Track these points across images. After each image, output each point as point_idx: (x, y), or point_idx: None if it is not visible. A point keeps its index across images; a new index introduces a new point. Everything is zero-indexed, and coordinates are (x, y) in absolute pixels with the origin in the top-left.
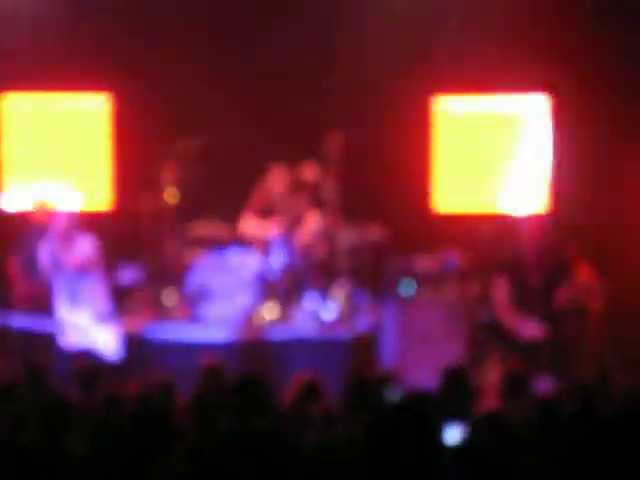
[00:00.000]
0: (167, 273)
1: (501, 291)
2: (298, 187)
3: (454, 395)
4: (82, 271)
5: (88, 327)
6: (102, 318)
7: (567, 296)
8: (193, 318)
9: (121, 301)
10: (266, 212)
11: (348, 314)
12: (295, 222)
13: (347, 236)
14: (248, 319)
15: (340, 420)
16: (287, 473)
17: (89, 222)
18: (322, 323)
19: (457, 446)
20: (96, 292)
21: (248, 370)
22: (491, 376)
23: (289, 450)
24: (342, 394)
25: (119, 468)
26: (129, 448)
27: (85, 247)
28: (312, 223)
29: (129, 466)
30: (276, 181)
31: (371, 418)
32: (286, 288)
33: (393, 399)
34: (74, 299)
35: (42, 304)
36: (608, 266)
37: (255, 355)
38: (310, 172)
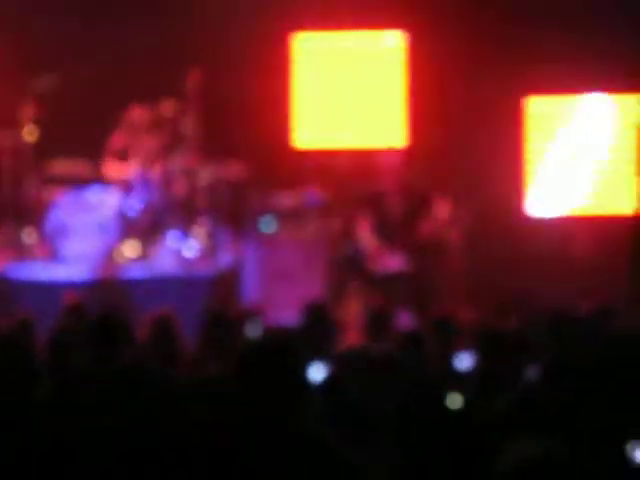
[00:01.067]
0: (26, 212)
1: (364, 225)
2: (157, 124)
3: (315, 331)
4: None
5: None
6: None
7: (427, 230)
8: (53, 257)
9: None
10: (125, 150)
11: (209, 251)
12: (154, 160)
13: (207, 173)
14: (108, 257)
15: (199, 358)
16: (143, 410)
17: None
18: (183, 261)
19: (321, 382)
20: None
21: (108, 308)
22: (352, 312)
23: (149, 387)
24: (201, 331)
25: None
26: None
27: None
28: (171, 161)
29: None
30: (135, 118)
31: (231, 355)
32: (146, 226)
33: (254, 336)
34: None
35: None
36: (464, 199)
37: (115, 293)
38: (169, 109)
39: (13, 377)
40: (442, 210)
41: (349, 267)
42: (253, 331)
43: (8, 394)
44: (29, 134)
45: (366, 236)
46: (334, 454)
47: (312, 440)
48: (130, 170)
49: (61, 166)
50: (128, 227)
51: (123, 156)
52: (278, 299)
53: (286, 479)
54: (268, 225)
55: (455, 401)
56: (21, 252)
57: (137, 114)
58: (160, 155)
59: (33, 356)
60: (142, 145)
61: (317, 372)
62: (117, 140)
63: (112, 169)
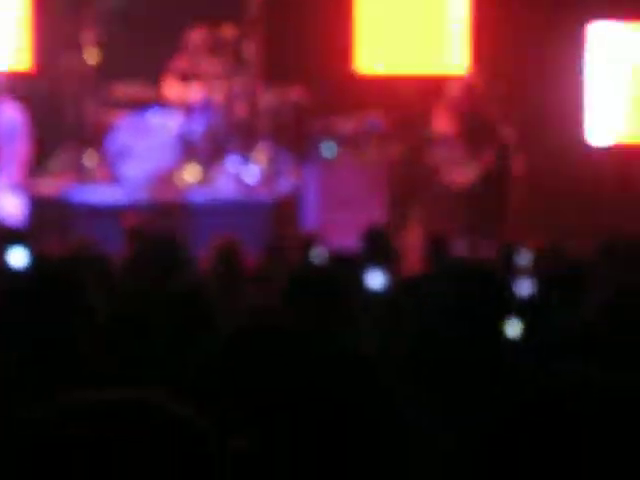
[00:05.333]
0: (87, 134)
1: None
2: (218, 47)
3: (376, 256)
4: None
5: None
6: (14, 184)
7: (491, 156)
8: (113, 180)
9: (42, 163)
10: (187, 73)
11: (269, 176)
12: (216, 83)
13: (268, 97)
14: (168, 181)
15: (261, 282)
16: (210, 335)
17: (9, 84)
18: (244, 185)
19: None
20: (17, 158)
21: (168, 232)
22: (412, 237)
23: (212, 312)
24: (263, 256)
25: (34, 326)
26: (45, 307)
27: (9, 111)
28: (232, 85)
29: (43, 325)
30: (196, 41)
31: (295, 279)
32: (207, 150)
33: (316, 261)
34: None
35: None
36: (529, 134)
37: (175, 217)
38: (231, 32)
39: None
40: (507, 137)
41: (414, 182)
42: (316, 256)
43: (65, 315)
44: (91, 56)
45: (443, 124)
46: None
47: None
48: (191, 93)
49: (122, 89)
50: (189, 150)
51: (185, 79)
52: (339, 225)
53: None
54: (329, 150)
55: (515, 327)
56: (82, 175)
57: (198, 36)
58: (222, 78)
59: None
60: (204, 68)
61: (375, 280)
62: (178, 63)
63: (173, 92)
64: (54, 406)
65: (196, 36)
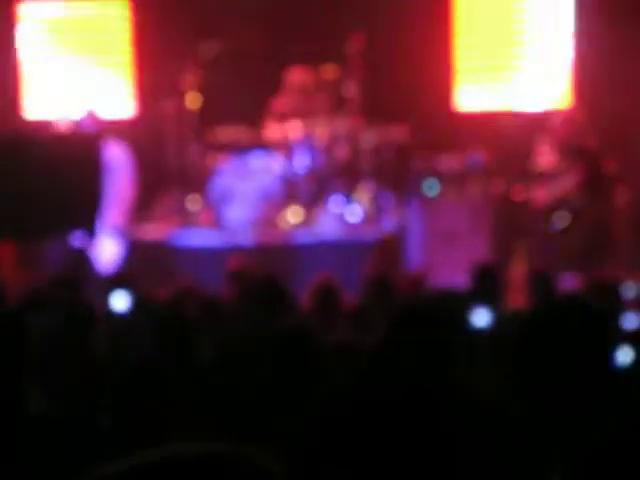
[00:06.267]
0: (190, 179)
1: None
2: (319, 88)
3: (483, 294)
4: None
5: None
6: (117, 227)
7: (594, 190)
8: (216, 223)
9: (146, 207)
10: (288, 114)
11: (372, 216)
12: (317, 124)
13: (370, 137)
14: (271, 223)
15: (363, 320)
16: (313, 372)
17: (113, 129)
18: (346, 225)
19: (486, 332)
20: (120, 200)
21: (271, 274)
22: (517, 272)
23: (314, 350)
24: (366, 294)
25: (142, 371)
26: (155, 350)
27: (114, 153)
28: (334, 125)
29: (152, 369)
30: (297, 81)
31: (402, 315)
32: (309, 191)
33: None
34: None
35: None
36: (631, 167)
37: (278, 259)
38: (331, 72)
39: (173, 342)
40: (610, 170)
41: (517, 218)
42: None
43: (168, 360)
44: (192, 101)
45: (546, 159)
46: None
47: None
48: (293, 134)
49: (224, 132)
50: (291, 192)
51: (286, 120)
52: (443, 262)
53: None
54: (431, 188)
55: (626, 356)
56: (185, 219)
57: (299, 76)
58: (323, 118)
59: (191, 322)
60: (305, 108)
61: (481, 317)
62: (279, 103)
63: (275, 133)
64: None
65: (296, 77)
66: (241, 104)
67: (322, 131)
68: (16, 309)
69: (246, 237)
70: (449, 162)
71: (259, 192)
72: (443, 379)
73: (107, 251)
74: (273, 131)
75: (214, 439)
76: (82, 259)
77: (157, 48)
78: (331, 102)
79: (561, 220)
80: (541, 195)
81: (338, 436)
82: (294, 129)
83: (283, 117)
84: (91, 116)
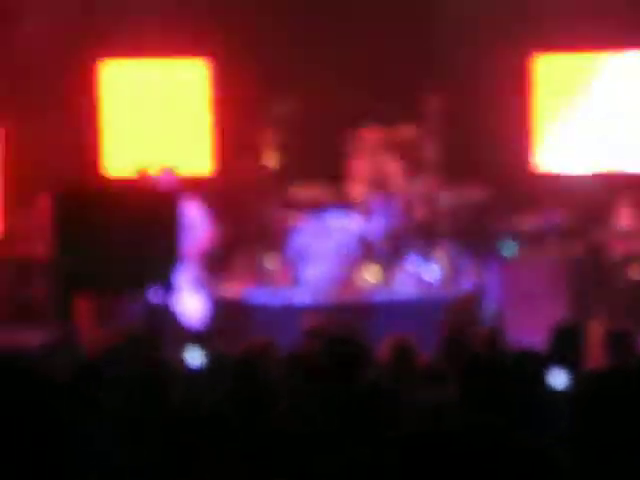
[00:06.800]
0: (268, 237)
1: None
2: (396, 148)
3: (562, 353)
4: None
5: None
6: (195, 283)
7: None
8: (294, 282)
9: (222, 265)
10: (366, 174)
11: (450, 275)
12: (395, 184)
13: (448, 197)
14: (349, 282)
15: (438, 379)
16: (388, 429)
17: (191, 187)
18: (424, 285)
19: (566, 393)
20: (198, 257)
21: (348, 332)
22: (596, 332)
23: (389, 409)
24: (440, 352)
25: (218, 426)
26: (230, 406)
27: (191, 211)
28: (412, 185)
29: (229, 428)
30: (373, 142)
31: (476, 373)
32: (387, 250)
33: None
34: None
35: None
36: None
37: (356, 318)
38: (409, 133)
39: (253, 400)
40: None
41: (596, 277)
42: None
43: (248, 418)
44: (270, 159)
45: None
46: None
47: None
48: (371, 194)
49: (302, 191)
50: (369, 251)
51: (364, 180)
52: (520, 322)
53: None
54: (510, 248)
55: None
56: (262, 277)
57: (375, 137)
58: (401, 179)
59: (271, 380)
60: (383, 169)
61: (559, 378)
62: (358, 164)
63: (353, 193)
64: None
65: (373, 136)
66: (319, 163)
67: (400, 192)
68: (94, 363)
69: (324, 296)
70: (527, 222)
71: (337, 251)
72: (509, 439)
73: (191, 307)
74: (352, 191)
75: None
76: (159, 315)
77: (236, 107)
78: (410, 162)
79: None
80: (619, 250)
81: None
82: (372, 189)
83: (361, 177)
84: (169, 174)
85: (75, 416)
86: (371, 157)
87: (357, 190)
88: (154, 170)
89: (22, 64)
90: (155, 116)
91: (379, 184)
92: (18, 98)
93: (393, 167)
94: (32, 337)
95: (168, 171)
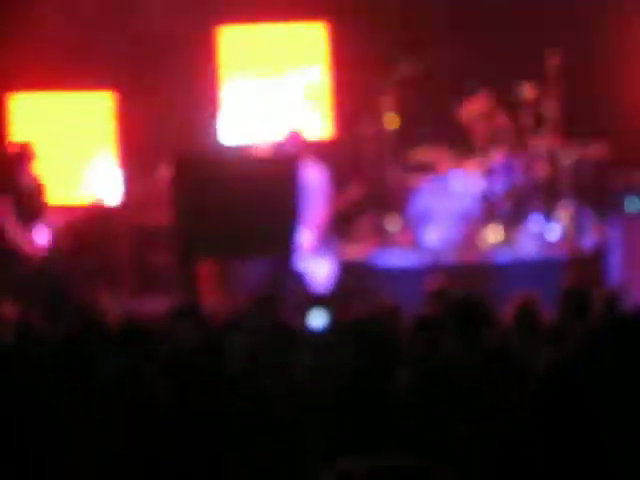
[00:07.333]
0: (389, 199)
1: None
2: (518, 107)
3: None
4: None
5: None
6: (318, 247)
7: None
8: (416, 243)
9: (344, 228)
10: (487, 134)
11: (572, 234)
12: (516, 142)
13: (569, 154)
14: (471, 242)
15: (560, 337)
16: (516, 393)
17: (313, 149)
18: (546, 244)
19: None
20: (320, 219)
21: (471, 293)
22: None
23: (517, 369)
24: (563, 311)
25: (344, 392)
26: (353, 371)
27: (314, 174)
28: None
29: (354, 390)
30: (493, 102)
31: (596, 334)
32: (509, 210)
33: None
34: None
35: None
36: None
37: (478, 278)
38: (529, 91)
39: (379, 363)
40: None
41: None
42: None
43: (371, 380)
44: (391, 121)
45: None
46: None
47: None
48: (492, 154)
49: (422, 153)
50: (490, 211)
51: (484, 140)
52: None
53: None
54: (632, 204)
55: None
56: (384, 239)
57: (495, 97)
58: (522, 137)
59: (398, 343)
60: (504, 128)
61: None
62: (476, 125)
63: (472, 155)
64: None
65: (493, 97)
66: (439, 124)
67: (521, 150)
68: (217, 329)
69: (445, 257)
70: None
71: (458, 212)
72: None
73: (315, 270)
74: (470, 152)
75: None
76: (282, 279)
77: (354, 68)
78: (530, 121)
79: None
80: None
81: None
82: (493, 149)
83: (483, 138)
84: (295, 137)
85: None
86: (490, 117)
87: (476, 152)
88: (279, 134)
89: (139, 31)
90: (273, 79)
91: (500, 143)
92: (133, 65)
93: (513, 125)
94: (156, 304)
95: (294, 134)
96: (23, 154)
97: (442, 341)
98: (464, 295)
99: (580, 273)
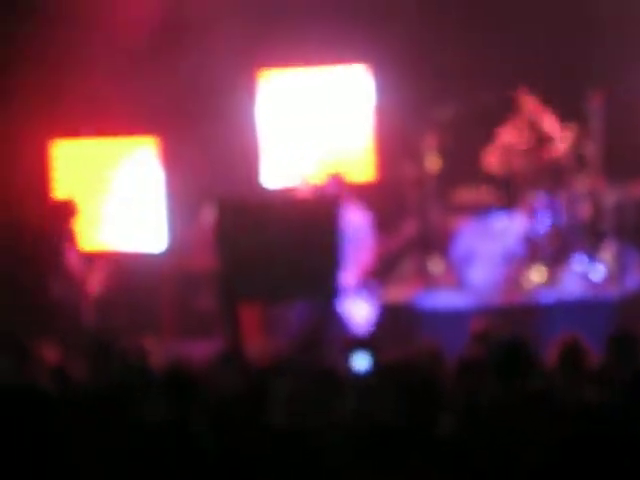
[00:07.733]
0: (432, 241)
1: None
2: (559, 148)
3: None
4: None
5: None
6: (361, 289)
7: None
8: (459, 285)
9: (388, 270)
10: (529, 174)
11: (616, 274)
12: (560, 184)
13: (612, 195)
14: (514, 283)
15: (606, 380)
16: (555, 433)
17: (355, 193)
18: (590, 284)
19: None
20: (363, 262)
21: (515, 335)
22: None
23: (557, 410)
24: (609, 353)
25: (386, 436)
26: (392, 414)
27: (356, 217)
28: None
29: (397, 435)
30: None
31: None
32: (552, 250)
33: None
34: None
35: None
36: None
37: (522, 319)
38: (571, 132)
39: (422, 406)
40: None
41: None
42: None
43: (413, 425)
44: (433, 163)
45: None
46: None
47: None
48: (535, 195)
49: (465, 194)
50: (534, 252)
51: (528, 180)
52: None
53: None
54: None
55: None
56: (428, 281)
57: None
58: (565, 178)
59: (442, 386)
60: (545, 167)
61: None
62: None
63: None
64: None
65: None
66: (481, 166)
67: (564, 191)
68: (261, 374)
69: (490, 298)
70: None
71: (502, 252)
72: None
73: (357, 313)
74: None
75: None
76: (324, 323)
77: (397, 111)
78: (573, 162)
79: None
80: None
81: None
82: (536, 190)
83: (524, 180)
84: (337, 180)
85: None
86: (531, 157)
87: (518, 192)
88: (321, 177)
89: (181, 76)
90: (315, 124)
91: (539, 183)
92: (176, 110)
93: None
94: (200, 348)
95: (335, 177)
96: (67, 210)
97: (485, 384)
98: (509, 338)
99: (625, 313)
